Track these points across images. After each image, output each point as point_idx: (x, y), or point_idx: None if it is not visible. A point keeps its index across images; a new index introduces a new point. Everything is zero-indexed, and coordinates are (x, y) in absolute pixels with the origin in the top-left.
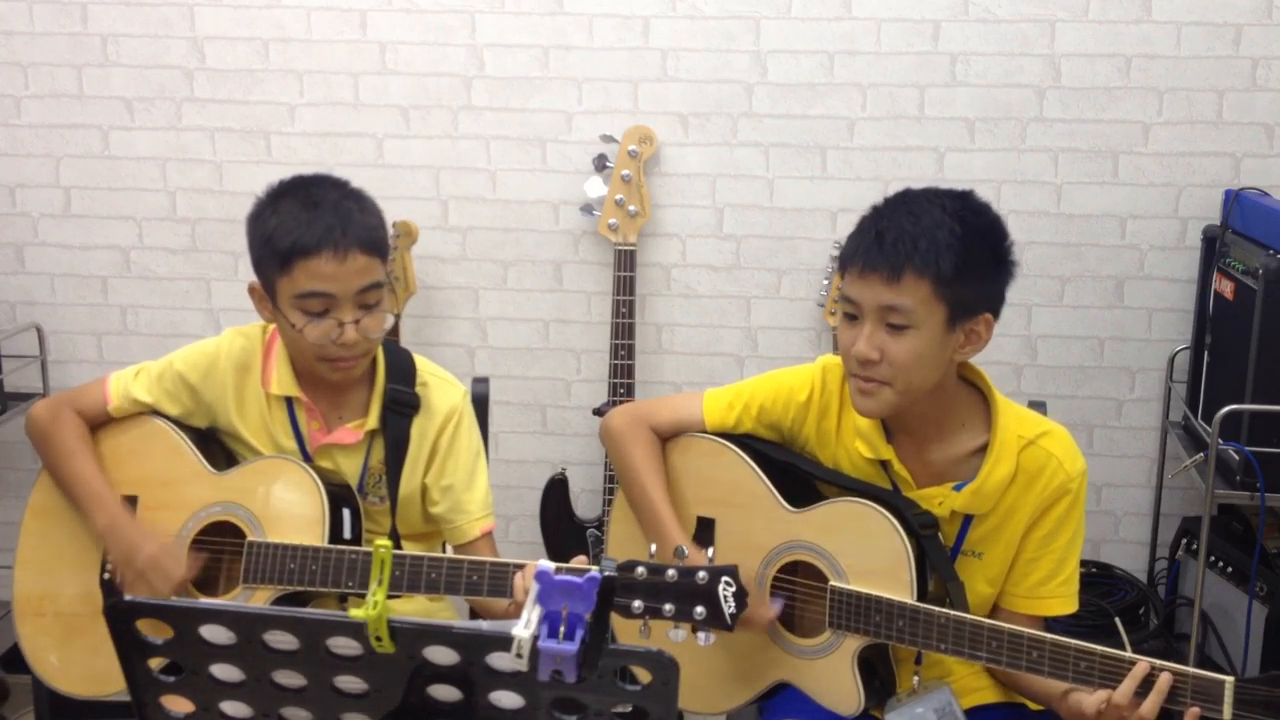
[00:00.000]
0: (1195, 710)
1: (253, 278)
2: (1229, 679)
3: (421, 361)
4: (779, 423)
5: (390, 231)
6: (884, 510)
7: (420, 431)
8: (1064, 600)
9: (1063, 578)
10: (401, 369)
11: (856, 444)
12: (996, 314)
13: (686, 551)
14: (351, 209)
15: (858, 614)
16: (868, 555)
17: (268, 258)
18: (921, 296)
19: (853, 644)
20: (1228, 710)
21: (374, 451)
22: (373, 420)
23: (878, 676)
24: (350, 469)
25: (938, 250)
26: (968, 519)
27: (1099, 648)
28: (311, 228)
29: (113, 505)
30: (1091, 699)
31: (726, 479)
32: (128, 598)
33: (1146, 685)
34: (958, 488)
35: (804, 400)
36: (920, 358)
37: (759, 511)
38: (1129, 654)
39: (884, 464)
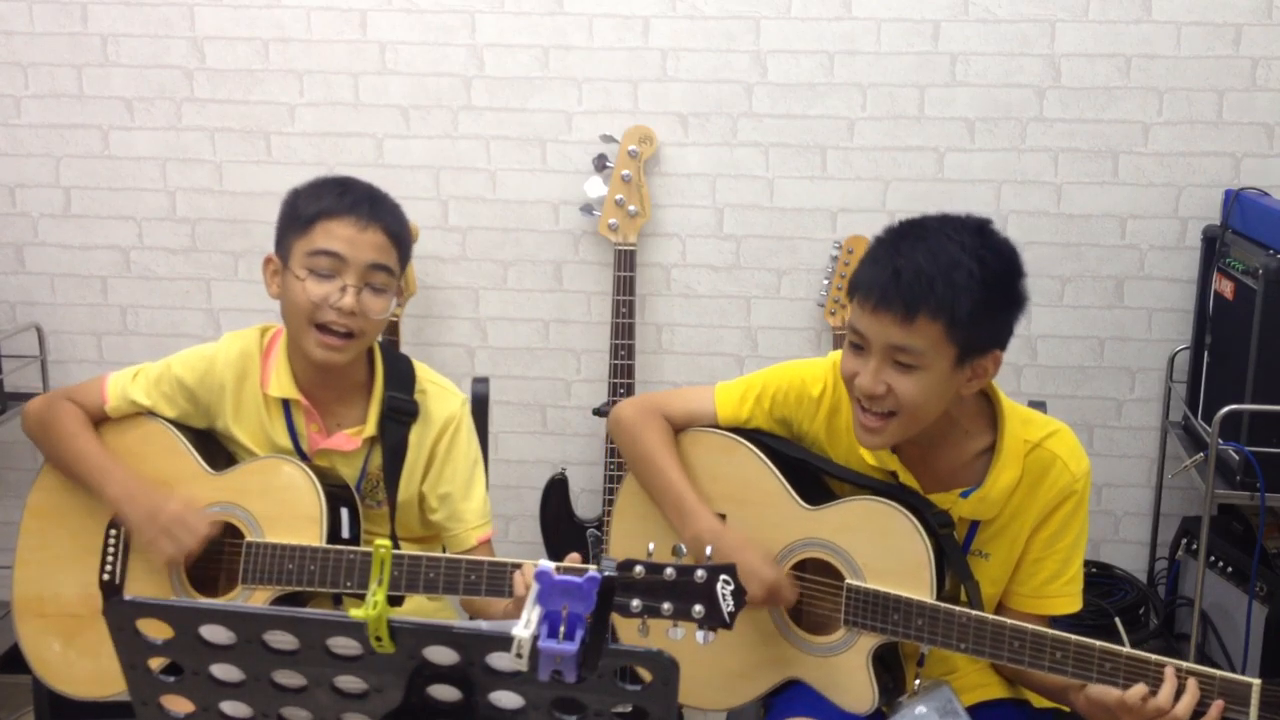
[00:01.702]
0: (1220, 703)
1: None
2: (1256, 681)
3: (421, 368)
4: (789, 416)
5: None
6: (905, 510)
7: (418, 439)
8: (1069, 599)
9: (1067, 577)
10: (401, 376)
11: (862, 450)
12: (1005, 347)
13: (705, 540)
14: (384, 198)
15: (875, 612)
16: (887, 554)
17: (292, 222)
18: (933, 338)
19: (868, 642)
20: (1254, 713)
21: (372, 458)
22: (371, 427)
23: (890, 674)
24: (348, 474)
25: (955, 293)
26: (975, 521)
27: (1124, 649)
28: (342, 199)
29: (122, 474)
30: (1131, 690)
31: (739, 475)
32: (128, 597)
33: (1179, 687)
34: (964, 494)
35: (816, 396)
36: (927, 395)
37: (772, 508)
38: (1155, 656)
39: (891, 474)
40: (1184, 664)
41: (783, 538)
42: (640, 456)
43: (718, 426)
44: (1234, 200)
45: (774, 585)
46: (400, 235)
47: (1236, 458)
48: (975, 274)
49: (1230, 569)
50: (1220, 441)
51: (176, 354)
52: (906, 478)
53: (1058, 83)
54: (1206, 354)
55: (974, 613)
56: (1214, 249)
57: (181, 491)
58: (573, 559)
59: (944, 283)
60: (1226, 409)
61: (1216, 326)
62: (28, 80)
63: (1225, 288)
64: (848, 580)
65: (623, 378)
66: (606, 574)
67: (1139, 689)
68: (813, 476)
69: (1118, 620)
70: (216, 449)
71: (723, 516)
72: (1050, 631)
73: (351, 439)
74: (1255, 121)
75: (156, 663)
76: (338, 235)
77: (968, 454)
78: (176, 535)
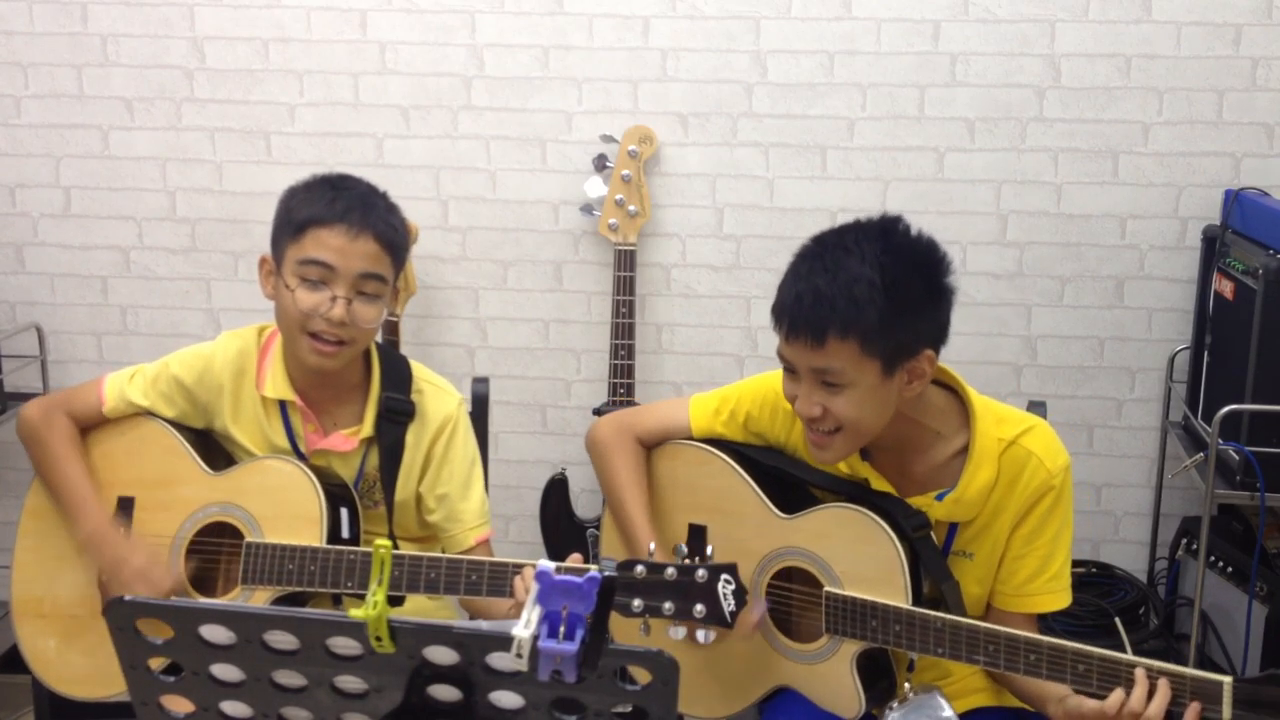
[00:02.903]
0: (1196, 706)
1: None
2: (1227, 679)
3: (418, 368)
4: (765, 431)
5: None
6: (876, 516)
7: (415, 439)
8: (1054, 596)
9: (1050, 574)
10: (397, 376)
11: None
12: (939, 345)
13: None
14: (378, 203)
15: (854, 619)
16: (861, 561)
17: (284, 226)
18: (849, 356)
19: (851, 648)
20: (1227, 710)
21: (369, 458)
22: (368, 428)
23: (882, 677)
24: (345, 475)
25: (857, 308)
26: (955, 523)
27: (1096, 650)
28: (333, 205)
29: (98, 515)
30: (1110, 699)
31: (715, 486)
32: (128, 598)
33: (1150, 688)
34: (939, 497)
35: (790, 408)
36: (862, 408)
37: (750, 518)
38: (1127, 657)
39: (863, 481)
40: (1155, 664)
41: (761, 547)
42: (607, 482)
43: (691, 439)
44: (1234, 200)
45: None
46: (392, 240)
47: (1236, 458)
48: (877, 283)
49: (1230, 569)
50: (1220, 441)
51: (174, 354)
52: (879, 483)
53: (1058, 83)
54: (1206, 354)
55: (949, 617)
56: (1214, 249)
57: (179, 493)
58: (575, 559)
59: (845, 300)
60: (1226, 409)
61: (1216, 326)
62: (28, 80)
63: (1225, 288)
64: (826, 588)
65: (623, 378)
66: (606, 574)
67: (1116, 696)
68: (789, 485)
69: (1118, 620)
70: (215, 449)
71: (703, 527)
72: (1024, 634)
73: (348, 439)
74: (1255, 121)
75: (156, 663)
76: (328, 245)
77: (942, 456)
78: (137, 592)
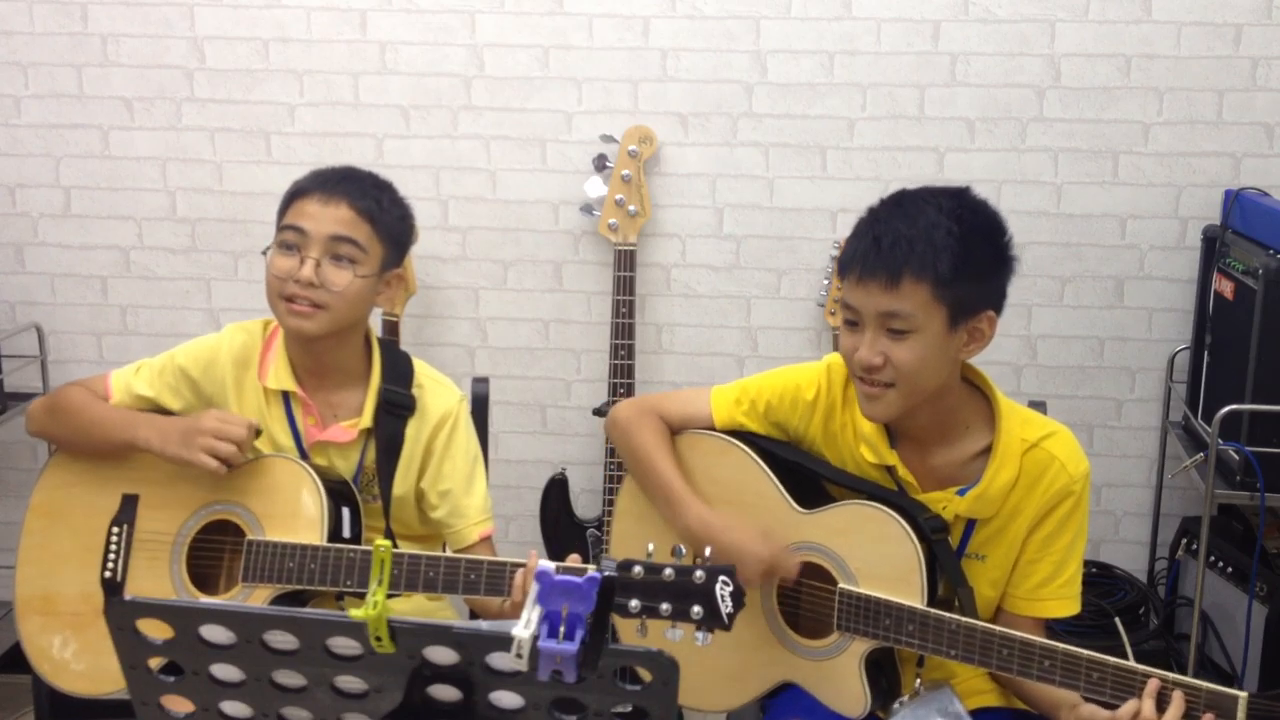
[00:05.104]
0: (1210, 717)
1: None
2: (1242, 694)
3: (420, 365)
4: (785, 422)
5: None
6: (897, 515)
7: (414, 434)
8: (1065, 602)
9: (1063, 579)
10: (398, 370)
11: (861, 448)
12: (999, 310)
13: (698, 528)
14: (363, 180)
15: (867, 617)
16: (879, 559)
17: (280, 209)
18: (921, 300)
19: (861, 646)
20: None
21: (368, 451)
22: (367, 419)
23: (884, 677)
24: (345, 468)
25: (935, 252)
26: (971, 522)
27: (1111, 659)
28: (316, 178)
29: (146, 417)
30: (1123, 709)
31: (734, 478)
32: (128, 598)
33: (1163, 699)
34: (961, 492)
35: (811, 399)
36: (924, 360)
37: (767, 511)
38: (1142, 667)
39: (889, 469)
40: (1170, 675)
41: (777, 540)
42: (633, 453)
43: (713, 429)
44: (1234, 200)
45: (770, 562)
46: (370, 210)
47: (1236, 458)
48: (955, 232)
49: (1230, 569)
50: (1220, 441)
51: (180, 345)
52: (904, 473)
53: (1058, 83)
54: (1206, 354)
55: (964, 619)
56: (1214, 249)
57: (183, 491)
58: (573, 560)
59: (924, 243)
60: (1226, 409)
61: (1216, 326)
62: (28, 80)
63: (1225, 288)
64: (840, 585)
65: (623, 378)
66: (606, 574)
67: (1130, 706)
68: (807, 480)
69: (1118, 620)
70: None
71: None
72: (1039, 640)
73: (347, 431)
74: (1255, 121)
75: (156, 663)
76: (303, 211)
77: (966, 453)
78: (226, 431)
